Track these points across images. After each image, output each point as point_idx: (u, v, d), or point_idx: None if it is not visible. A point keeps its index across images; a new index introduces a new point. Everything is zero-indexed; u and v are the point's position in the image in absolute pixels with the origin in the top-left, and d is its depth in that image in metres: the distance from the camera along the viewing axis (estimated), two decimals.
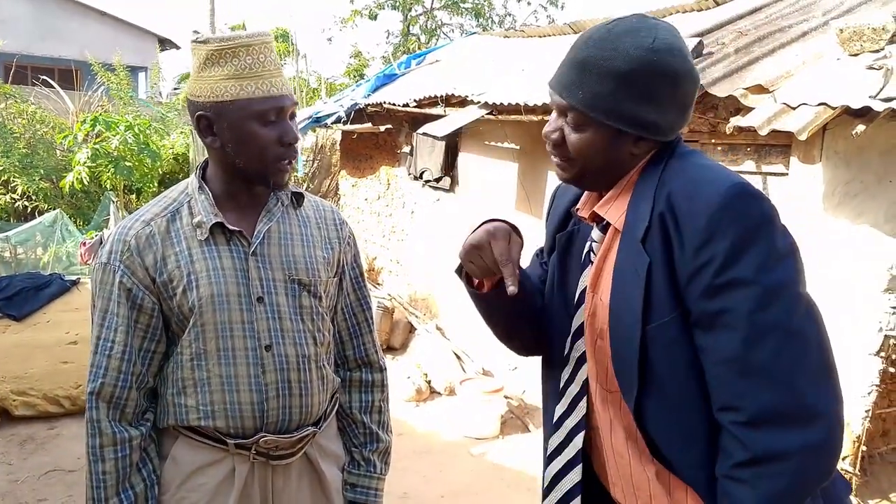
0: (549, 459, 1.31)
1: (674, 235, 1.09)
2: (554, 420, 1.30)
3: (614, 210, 1.21)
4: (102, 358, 1.40)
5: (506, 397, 4.52)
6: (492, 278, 1.31)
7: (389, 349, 5.79)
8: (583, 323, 1.26)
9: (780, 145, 3.19)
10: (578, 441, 1.27)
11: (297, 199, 1.55)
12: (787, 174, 3.18)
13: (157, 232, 1.42)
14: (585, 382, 1.27)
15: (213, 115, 1.39)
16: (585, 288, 1.26)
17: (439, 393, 4.95)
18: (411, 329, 6.01)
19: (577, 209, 1.30)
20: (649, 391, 1.13)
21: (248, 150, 1.39)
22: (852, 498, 1.21)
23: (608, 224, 1.23)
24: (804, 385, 1.01)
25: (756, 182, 3.27)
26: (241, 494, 1.44)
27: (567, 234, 1.35)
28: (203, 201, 1.43)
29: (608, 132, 1.17)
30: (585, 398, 1.26)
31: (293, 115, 1.45)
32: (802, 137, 2.76)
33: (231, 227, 1.42)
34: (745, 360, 1.03)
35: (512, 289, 1.19)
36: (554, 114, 1.24)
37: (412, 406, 4.74)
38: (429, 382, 4.98)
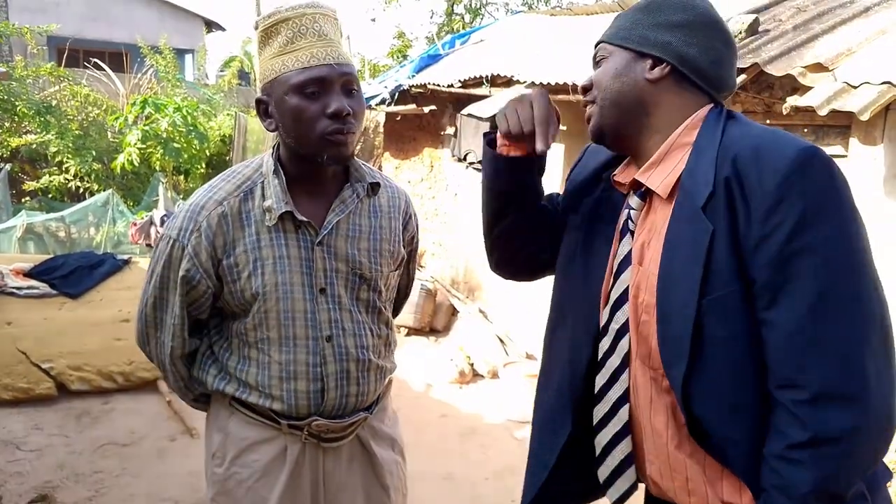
0: (597, 429, 1.28)
1: (739, 202, 1.05)
2: (596, 391, 1.27)
3: (656, 176, 1.18)
4: (168, 327, 1.47)
5: None
6: (516, 145, 1.33)
7: (432, 331, 5.81)
8: (623, 294, 1.21)
9: (839, 126, 3.08)
10: (624, 414, 1.23)
11: (374, 188, 1.50)
12: (846, 156, 3.06)
13: (230, 212, 1.41)
14: (626, 355, 1.22)
15: (266, 97, 1.39)
16: (625, 258, 1.22)
17: (482, 376, 4.95)
18: (454, 312, 6.02)
19: (614, 175, 1.28)
20: (698, 367, 1.09)
21: (293, 126, 1.35)
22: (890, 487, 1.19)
23: (647, 191, 1.20)
24: (870, 365, 0.98)
25: None
26: (291, 474, 1.46)
27: (594, 200, 1.32)
28: (276, 186, 1.40)
29: (625, 57, 1.21)
30: (627, 371, 1.22)
31: (348, 87, 1.36)
32: (864, 118, 2.66)
33: (300, 218, 1.40)
34: (811, 334, 1.00)
35: (541, 146, 1.25)
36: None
37: (455, 388, 4.76)
38: (472, 365, 4.98)
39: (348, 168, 1.49)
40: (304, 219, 1.40)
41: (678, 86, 1.19)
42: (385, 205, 1.54)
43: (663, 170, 1.17)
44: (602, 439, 1.27)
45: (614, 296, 1.23)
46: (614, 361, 1.24)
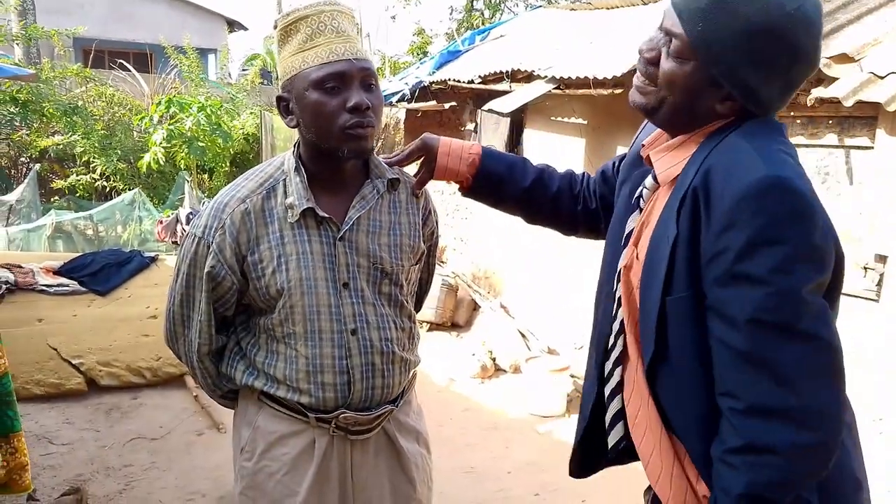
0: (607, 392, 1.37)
1: (703, 214, 1.07)
2: (607, 349, 1.36)
3: (665, 161, 1.20)
4: (195, 324, 1.50)
5: (572, 376, 4.50)
6: (461, 180, 1.61)
7: (454, 326, 5.83)
8: (621, 269, 1.27)
9: (865, 117, 3.04)
10: (617, 373, 1.31)
11: (393, 184, 1.53)
12: (872, 147, 3.02)
13: (253, 210, 1.44)
14: (622, 322, 1.29)
15: (286, 94, 1.41)
16: (631, 232, 1.27)
17: (504, 370, 4.96)
18: (475, 307, 6.03)
19: (644, 141, 1.30)
20: (662, 358, 1.15)
21: (314, 121, 1.37)
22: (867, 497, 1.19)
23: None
24: (805, 386, 1.01)
25: (838, 156, 3.13)
26: (319, 466, 1.48)
27: (641, 173, 1.33)
28: (298, 184, 1.43)
29: (704, 76, 1.11)
30: (623, 336, 1.29)
31: (367, 82, 1.39)
32: (891, 108, 2.62)
33: (321, 214, 1.43)
34: (749, 354, 1.03)
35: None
36: (659, 32, 1.17)
37: (477, 383, 4.77)
38: (494, 360, 5.00)
39: (368, 164, 1.52)
40: (326, 215, 1.43)
41: (740, 109, 1.14)
42: (404, 200, 1.56)
43: (672, 158, 1.19)
44: (608, 401, 1.35)
45: (619, 265, 1.29)
46: (615, 327, 1.31)
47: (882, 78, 2.76)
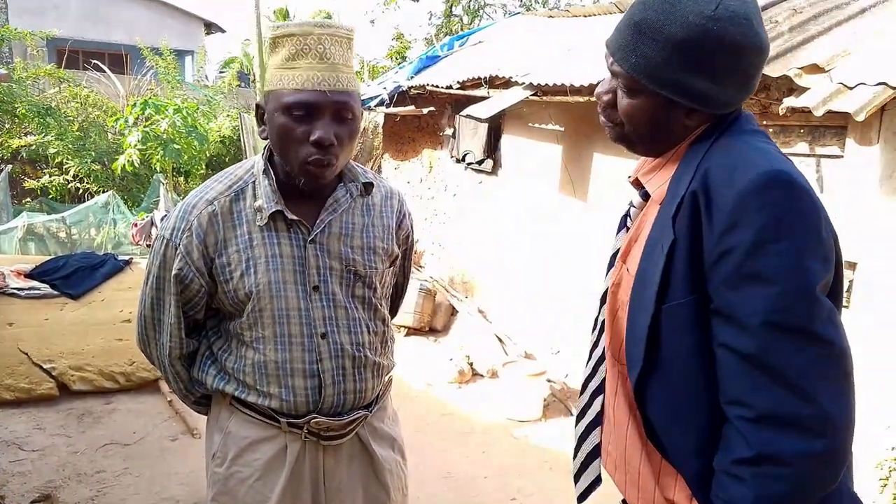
0: (577, 420, 1.33)
1: (704, 216, 1.04)
2: (581, 382, 1.32)
3: (656, 180, 1.19)
4: (166, 327, 1.49)
5: (548, 381, 4.53)
6: None
7: (432, 331, 5.83)
8: (608, 288, 1.24)
9: (835, 126, 3.10)
10: (598, 404, 1.27)
11: (367, 188, 1.53)
12: (842, 156, 3.09)
13: (220, 212, 1.43)
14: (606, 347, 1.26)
15: (263, 104, 1.41)
16: (617, 253, 1.25)
17: (482, 375, 4.97)
18: (453, 311, 6.04)
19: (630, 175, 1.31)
20: (653, 372, 1.11)
21: (279, 143, 1.37)
22: None
23: (648, 192, 1.21)
24: (819, 392, 0.97)
25: (809, 165, 3.19)
26: (291, 472, 1.48)
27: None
28: (266, 187, 1.42)
29: (659, 100, 1.13)
30: (605, 363, 1.26)
31: (341, 114, 1.35)
32: (860, 118, 2.68)
33: (290, 217, 1.42)
34: (760, 359, 0.98)
35: None
36: (608, 74, 1.20)
37: (455, 388, 4.78)
38: (471, 365, 5.00)
39: (341, 170, 1.51)
40: (295, 217, 1.42)
41: (710, 115, 1.15)
42: (378, 203, 1.56)
43: (662, 175, 1.18)
44: (578, 430, 1.31)
45: (603, 289, 1.27)
46: (597, 353, 1.28)
47: (851, 88, 2.81)
